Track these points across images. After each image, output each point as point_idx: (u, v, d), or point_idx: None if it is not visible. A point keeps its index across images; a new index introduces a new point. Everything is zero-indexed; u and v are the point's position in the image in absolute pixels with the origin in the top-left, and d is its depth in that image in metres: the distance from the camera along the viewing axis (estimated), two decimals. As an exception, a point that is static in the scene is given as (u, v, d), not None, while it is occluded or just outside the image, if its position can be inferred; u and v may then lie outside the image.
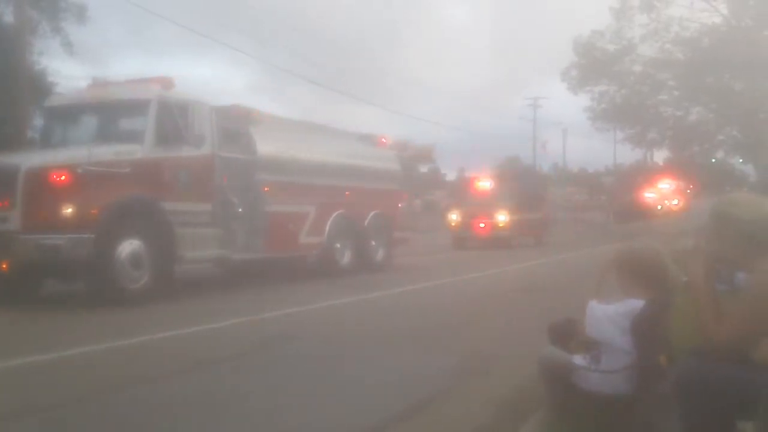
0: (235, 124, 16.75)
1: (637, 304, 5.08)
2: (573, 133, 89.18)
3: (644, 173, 67.78)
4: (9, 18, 34.60)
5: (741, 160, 53.82)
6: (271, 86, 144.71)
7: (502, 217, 31.58)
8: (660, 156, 73.76)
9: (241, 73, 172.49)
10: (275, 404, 6.93)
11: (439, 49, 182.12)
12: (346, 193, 19.34)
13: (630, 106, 47.29)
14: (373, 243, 20.52)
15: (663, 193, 62.71)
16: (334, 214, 18.74)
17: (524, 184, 35.71)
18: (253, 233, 16.62)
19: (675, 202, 63.71)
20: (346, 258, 19.37)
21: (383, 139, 22.15)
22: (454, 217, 32.89)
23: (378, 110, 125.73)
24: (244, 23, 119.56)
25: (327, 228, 18.49)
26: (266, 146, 16.97)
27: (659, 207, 58.21)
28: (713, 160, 58.43)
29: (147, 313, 12.72)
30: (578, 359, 5.29)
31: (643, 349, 5.05)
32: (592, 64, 46.21)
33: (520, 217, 32.17)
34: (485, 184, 35.03)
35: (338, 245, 19.04)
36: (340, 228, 18.94)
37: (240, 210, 16.39)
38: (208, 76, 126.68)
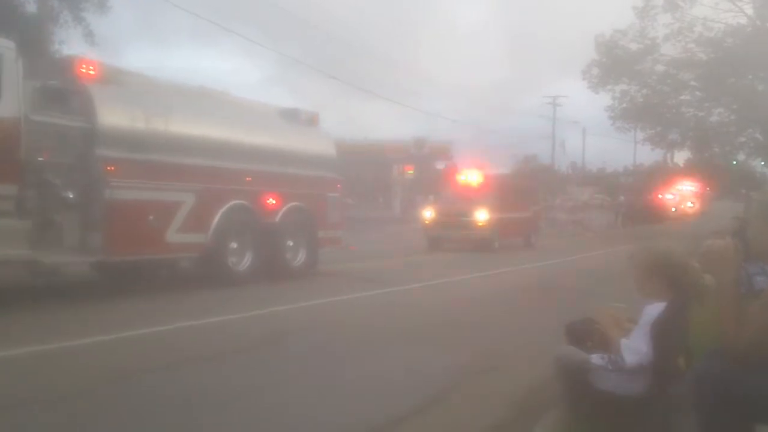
0: (65, 82, 11.06)
1: (658, 306, 4.49)
2: (592, 133, 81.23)
3: (660, 174, 60.66)
4: (32, 7, 32.80)
5: (762, 163, 46.98)
6: (290, 81, 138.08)
7: (481, 216, 24.47)
8: (681, 157, 66.32)
9: (258, 66, 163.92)
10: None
11: (457, 47, 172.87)
12: (247, 178, 13.49)
13: (651, 106, 41.78)
14: (290, 243, 14.67)
15: (679, 195, 56.13)
16: (227, 205, 12.97)
17: (513, 179, 27.90)
18: (88, 228, 10.89)
19: (690, 204, 57.03)
20: (245, 262, 13.55)
21: (313, 117, 16.08)
22: (428, 214, 25.90)
23: (396, 107, 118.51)
24: (265, 18, 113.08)
25: (214, 223, 12.69)
26: (113, 113, 11.36)
27: (673, 209, 51.56)
28: (734, 162, 51.38)
29: None
30: (596, 358, 4.64)
31: (661, 351, 4.45)
32: (614, 63, 40.63)
33: (504, 216, 25.08)
34: (467, 178, 27.79)
35: (234, 245, 13.25)
36: (235, 223, 13.20)
37: (70, 196, 10.70)
38: (227, 67, 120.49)
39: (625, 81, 41.52)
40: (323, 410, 5.79)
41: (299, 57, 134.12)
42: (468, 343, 8.65)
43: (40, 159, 10.43)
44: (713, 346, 3.76)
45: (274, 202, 14.04)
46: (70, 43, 34.32)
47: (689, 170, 61.85)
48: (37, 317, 9.37)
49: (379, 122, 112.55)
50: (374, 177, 48.36)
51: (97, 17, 35.86)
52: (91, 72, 11.24)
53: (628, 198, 49.37)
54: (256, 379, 6.65)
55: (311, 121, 15.98)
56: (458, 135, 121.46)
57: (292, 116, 15.58)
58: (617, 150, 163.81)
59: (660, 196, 51.57)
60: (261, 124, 14.55)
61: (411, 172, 48.91)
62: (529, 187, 31.02)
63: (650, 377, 4.51)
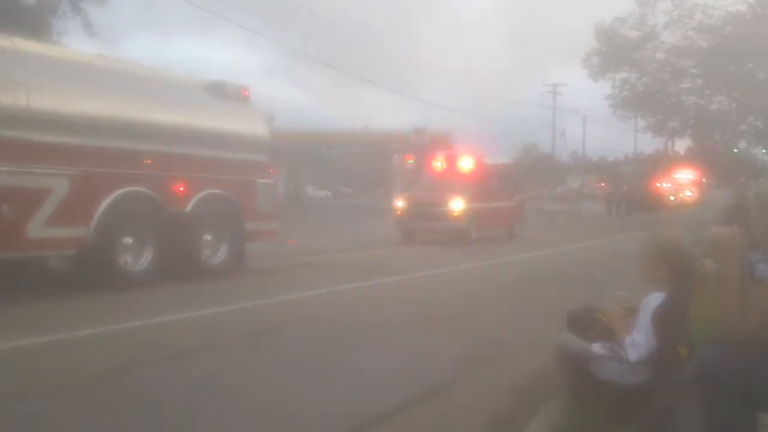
0: None
1: (658, 295, 4.35)
2: (593, 121, 77.96)
3: (660, 162, 57.79)
4: (31, -2, 31.43)
5: (764, 151, 44.49)
6: (291, 71, 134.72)
7: (457, 206, 21.54)
8: (681, 145, 63.28)
9: (258, 56, 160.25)
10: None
11: (458, 36, 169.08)
12: (146, 160, 11.21)
13: (651, 94, 39.86)
14: (208, 237, 12.35)
15: (678, 184, 53.31)
16: (117, 193, 10.67)
17: (493, 167, 24.90)
18: None
19: (689, 193, 54.10)
20: (144, 260, 11.20)
21: (242, 92, 13.48)
22: (400, 204, 22.86)
23: (397, 97, 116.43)
24: (263, 7, 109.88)
25: (98, 214, 10.40)
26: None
27: (671, 198, 48.86)
28: (735, 150, 48.86)
29: None
30: (597, 348, 4.49)
31: (663, 340, 4.31)
32: (614, 51, 38.47)
33: (483, 205, 22.11)
34: (443, 165, 24.89)
35: (128, 240, 10.97)
36: (129, 213, 10.93)
37: None
38: (225, 57, 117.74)
39: (625, 69, 39.51)
40: (322, 402, 5.49)
41: (300, 47, 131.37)
42: (459, 335, 8.10)
43: None
44: (716, 335, 3.62)
45: (183, 188, 11.76)
46: (68, 34, 33.18)
47: (690, 158, 59.07)
48: None
49: (380, 112, 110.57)
50: (375, 167, 46.33)
51: (96, 8, 34.63)
52: None
53: (621, 186, 46.56)
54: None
55: (240, 96, 13.43)
56: (459, 125, 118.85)
57: (217, 91, 13.07)
58: (618, 138, 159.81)
59: (660, 185, 49.03)
60: (172, 99, 12.15)
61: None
62: (512, 175, 28.27)
63: (652, 367, 4.37)
